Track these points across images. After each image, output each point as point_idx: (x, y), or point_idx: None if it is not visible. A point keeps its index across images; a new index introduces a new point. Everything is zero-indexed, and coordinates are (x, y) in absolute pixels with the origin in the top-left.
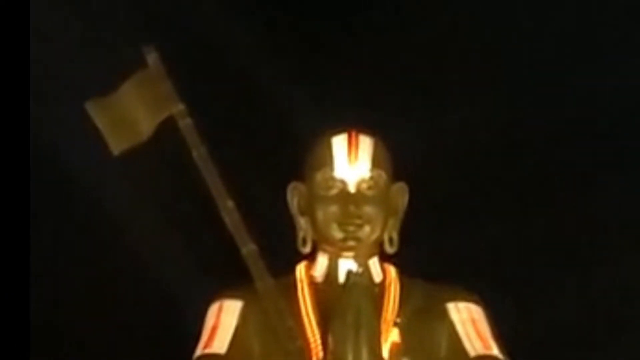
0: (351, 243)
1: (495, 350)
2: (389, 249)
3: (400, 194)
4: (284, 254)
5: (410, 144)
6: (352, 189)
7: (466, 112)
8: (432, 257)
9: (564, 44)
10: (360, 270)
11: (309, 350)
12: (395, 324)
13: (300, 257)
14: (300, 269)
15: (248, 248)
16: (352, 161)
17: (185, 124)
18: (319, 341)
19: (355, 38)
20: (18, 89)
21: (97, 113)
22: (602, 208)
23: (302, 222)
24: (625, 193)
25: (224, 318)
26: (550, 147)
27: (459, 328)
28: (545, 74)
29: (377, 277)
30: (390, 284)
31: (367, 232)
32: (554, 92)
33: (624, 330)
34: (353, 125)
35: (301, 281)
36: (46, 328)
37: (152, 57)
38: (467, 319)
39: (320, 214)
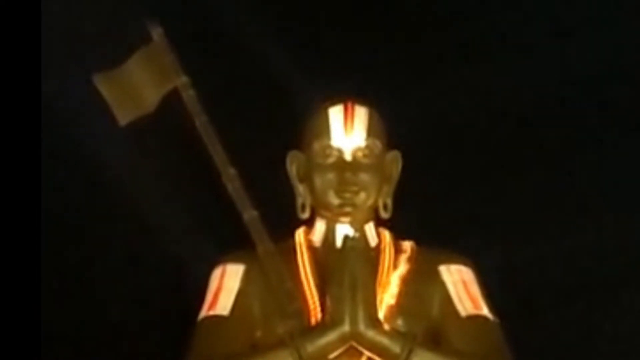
0: (347, 209)
1: (485, 311)
2: (384, 214)
3: (394, 162)
4: (283, 220)
5: (404, 115)
6: (348, 157)
7: (458, 81)
8: (423, 221)
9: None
10: (357, 235)
11: (308, 312)
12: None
13: (299, 223)
14: (299, 234)
15: (249, 214)
16: (348, 131)
17: (189, 95)
18: (317, 303)
19: (353, 12)
20: (29, 64)
21: (105, 86)
22: (593, 169)
23: (300, 189)
24: (614, 155)
25: (227, 281)
26: (541, 112)
27: (451, 289)
28: (541, 36)
29: (373, 241)
30: (385, 248)
31: (362, 198)
32: (542, 58)
33: (613, 289)
34: (349, 95)
35: (300, 245)
36: (55, 282)
37: (157, 32)
38: (458, 280)
39: (318, 181)
